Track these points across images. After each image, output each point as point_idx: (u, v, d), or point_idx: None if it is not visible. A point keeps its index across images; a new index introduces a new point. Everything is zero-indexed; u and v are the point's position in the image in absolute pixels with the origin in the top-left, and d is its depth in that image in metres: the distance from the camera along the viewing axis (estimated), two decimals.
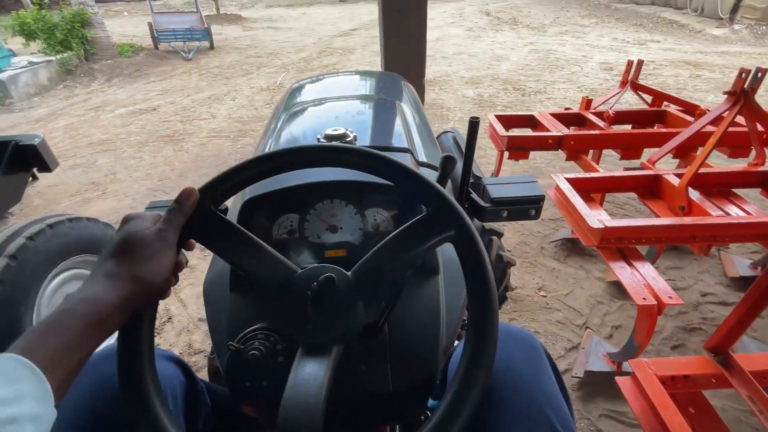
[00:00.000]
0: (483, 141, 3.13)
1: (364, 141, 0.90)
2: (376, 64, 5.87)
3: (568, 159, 1.98)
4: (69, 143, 3.68)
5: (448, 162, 0.57)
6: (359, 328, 0.50)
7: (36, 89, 5.18)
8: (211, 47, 6.94)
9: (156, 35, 6.59)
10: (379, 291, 0.52)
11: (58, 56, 5.56)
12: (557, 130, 1.95)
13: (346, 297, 0.49)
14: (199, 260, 2.18)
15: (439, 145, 1.29)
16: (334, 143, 0.63)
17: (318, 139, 0.82)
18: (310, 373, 0.45)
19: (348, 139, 0.82)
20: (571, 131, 1.98)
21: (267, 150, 0.99)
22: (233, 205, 0.80)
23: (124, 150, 3.50)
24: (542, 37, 6.99)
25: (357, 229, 0.74)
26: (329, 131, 0.82)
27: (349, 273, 0.50)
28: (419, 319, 0.63)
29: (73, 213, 1.39)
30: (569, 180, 1.55)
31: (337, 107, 1.20)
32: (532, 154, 2.01)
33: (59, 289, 1.33)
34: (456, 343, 0.70)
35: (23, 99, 4.95)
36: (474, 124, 0.74)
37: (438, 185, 0.51)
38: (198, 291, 1.99)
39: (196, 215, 0.50)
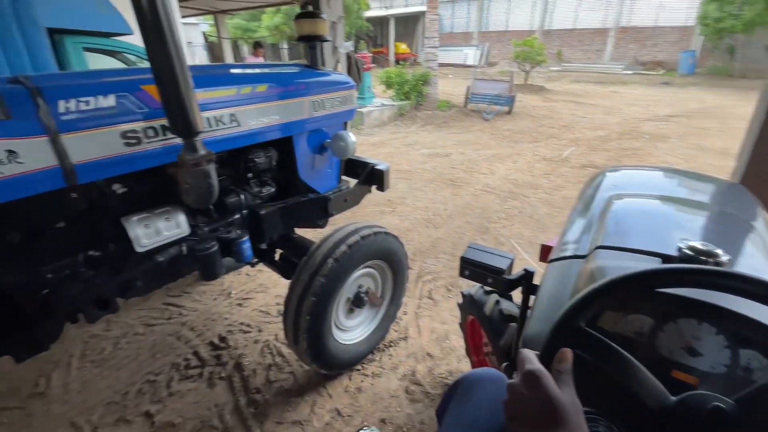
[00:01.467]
0: None
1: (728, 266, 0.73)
2: (693, 160, 4.85)
3: None
4: None
5: None
6: None
7: (378, 123, 7.13)
8: (509, 112, 7.60)
9: (469, 97, 7.83)
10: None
11: (400, 103, 7.48)
12: None
13: None
14: (442, 297, 2.36)
15: None
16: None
17: (680, 249, 0.71)
18: None
19: (719, 260, 0.67)
20: None
21: (582, 238, 0.95)
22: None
23: (416, 182, 4.28)
24: None
25: (722, 365, 0.61)
26: (697, 245, 0.69)
27: (732, 401, 0.44)
28: None
29: (383, 226, 1.78)
30: None
31: (676, 213, 1.03)
32: None
33: (355, 280, 1.74)
34: None
35: (368, 128, 6.91)
36: None
37: None
38: (433, 326, 2.13)
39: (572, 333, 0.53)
